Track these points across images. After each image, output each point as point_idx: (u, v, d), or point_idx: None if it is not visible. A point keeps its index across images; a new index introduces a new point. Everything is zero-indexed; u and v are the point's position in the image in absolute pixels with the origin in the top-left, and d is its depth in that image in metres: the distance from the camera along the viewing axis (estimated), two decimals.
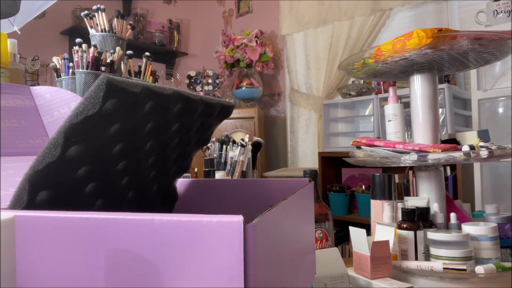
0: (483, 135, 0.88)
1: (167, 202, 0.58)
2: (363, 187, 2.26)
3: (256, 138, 1.21)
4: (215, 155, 1.13)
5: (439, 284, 0.69)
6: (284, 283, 0.33)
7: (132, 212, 0.25)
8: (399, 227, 0.79)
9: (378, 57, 0.87)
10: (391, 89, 0.98)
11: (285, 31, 2.88)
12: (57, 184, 0.33)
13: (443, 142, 0.91)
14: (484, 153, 0.75)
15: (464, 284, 0.68)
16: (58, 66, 0.92)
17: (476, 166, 1.69)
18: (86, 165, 0.35)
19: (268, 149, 2.99)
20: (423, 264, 0.72)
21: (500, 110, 1.71)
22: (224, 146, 1.14)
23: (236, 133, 2.58)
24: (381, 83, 2.28)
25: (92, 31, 0.95)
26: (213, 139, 1.15)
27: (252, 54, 2.75)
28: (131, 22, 1.23)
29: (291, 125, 2.88)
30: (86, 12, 0.95)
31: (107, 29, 0.95)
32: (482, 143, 0.80)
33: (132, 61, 1.00)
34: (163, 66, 3.24)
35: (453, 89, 1.88)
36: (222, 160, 1.13)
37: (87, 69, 0.87)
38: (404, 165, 0.84)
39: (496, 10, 1.73)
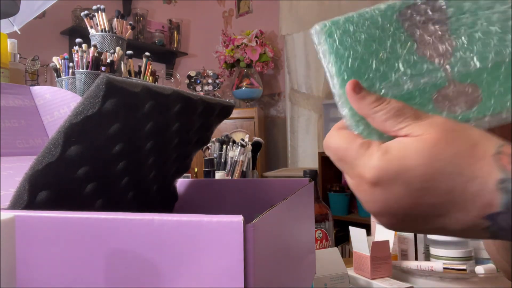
0: None
1: (167, 202, 0.58)
2: None
3: (256, 138, 1.21)
4: (215, 155, 1.13)
5: (439, 284, 0.69)
6: (284, 283, 0.33)
7: (132, 212, 0.25)
8: None
9: None
10: None
11: (285, 31, 2.88)
12: (57, 184, 0.33)
13: None
14: None
15: (464, 284, 0.68)
16: (58, 66, 0.92)
17: None
18: (86, 165, 0.35)
19: (268, 149, 2.99)
20: (423, 264, 0.72)
21: None
22: (224, 146, 1.14)
23: (236, 133, 2.58)
24: None
25: (92, 31, 0.95)
26: (213, 139, 1.15)
27: (252, 54, 2.75)
28: (131, 22, 1.23)
29: (291, 125, 2.88)
30: (86, 12, 0.95)
31: (107, 29, 0.95)
32: None
33: (132, 61, 1.00)
34: (163, 66, 3.24)
35: None
36: (222, 160, 1.13)
37: (87, 69, 0.87)
38: None
39: None
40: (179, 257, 0.24)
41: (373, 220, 0.89)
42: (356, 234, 0.71)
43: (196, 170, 1.63)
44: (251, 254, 0.23)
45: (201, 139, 0.56)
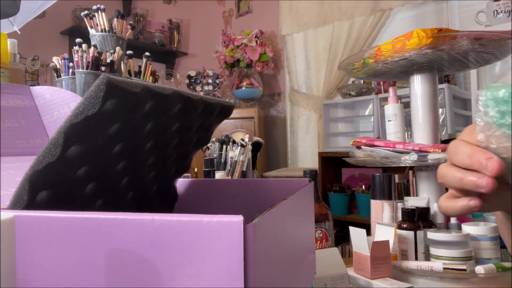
0: None
1: (167, 202, 0.58)
2: (363, 187, 2.26)
3: (256, 138, 1.21)
4: (215, 155, 1.13)
5: (439, 284, 0.69)
6: (284, 283, 0.33)
7: (132, 212, 0.25)
8: (399, 227, 0.79)
9: (378, 57, 0.87)
10: (391, 89, 0.98)
11: (285, 31, 2.88)
12: (57, 184, 0.33)
13: (443, 142, 0.91)
14: None
15: (464, 284, 0.68)
16: (58, 66, 0.92)
17: None
18: (86, 165, 0.35)
19: (268, 149, 2.99)
20: (423, 264, 0.72)
21: None
22: (224, 146, 1.14)
23: (236, 133, 2.58)
24: (381, 83, 2.28)
25: (92, 31, 0.95)
26: (213, 139, 1.15)
27: (252, 54, 2.75)
28: (131, 22, 1.23)
29: (291, 125, 2.88)
30: (86, 12, 0.95)
31: (107, 29, 0.95)
32: None
33: (132, 61, 1.00)
34: (163, 66, 3.24)
35: (453, 89, 1.88)
36: (222, 160, 1.13)
37: (87, 69, 0.87)
38: (404, 165, 0.85)
39: (496, 10, 1.74)
40: (179, 257, 0.24)
41: (373, 220, 0.89)
42: (356, 234, 0.71)
43: (196, 170, 1.63)
44: (251, 254, 0.23)
45: (201, 139, 0.56)
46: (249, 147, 1.15)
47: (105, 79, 0.31)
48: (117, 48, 0.92)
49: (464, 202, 0.36)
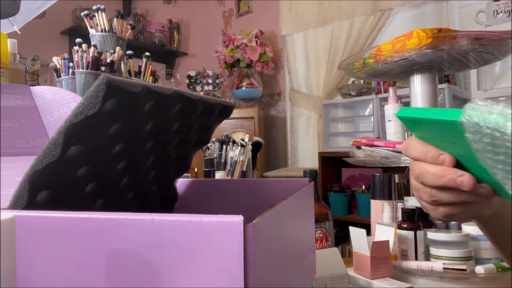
0: None
1: (167, 202, 0.58)
2: (363, 187, 2.25)
3: (256, 138, 1.21)
4: (215, 155, 1.13)
5: (439, 284, 0.69)
6: (284, 283, 0.33)
7: (132, 212, 0.25)
8: (399, 227, 0.79)
9: (378, 57, 0.87)
10: (391, 89, 0.98)
11: (285, 31, 2.88)
12: (57, 184, 0.33)
13: None
14: None
15: (464, 284, 0.68)
16: (58, 66, 0.92)
17: None
18: (86, 165, 0.35)
19: (268, 149, 2.99)
20: (423, 264, 0.72)
21: None
22: (224, 146, 1.14)
23: (236, 133, 2.58)
24: (381, 83, 2.28)
25: (92, 31, 0.95)
26: (213, 139, 1.15)
27: (252, 54, 2.75)
28: (131, 22, 1.23)
29: (291, 125, 2.88)
30: (86, 12, 0.95)
31: (107, 29, 0.95)
32: None
33: (132, 61, 1.00)
34: (163, 66, 3.24)
35: (453, 89, 1.88)
36: (222, 160, 1.13)
37: (87, 69, 0.87)
38: (404, 165, 0.84)
39: (496, 10, 1.74)
40: (179, 257, 0.24)
41: (373, 220, 0.89)
42: (356, 234, 0.71)
43: (196, 170, 1.63)
44: (251, 254, 0.23)
45: (201, 139, 0.56)
46: (249, 147, 1.15)
47: (105, 79, 0.31)
48: (117, 48, 0.92)
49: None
